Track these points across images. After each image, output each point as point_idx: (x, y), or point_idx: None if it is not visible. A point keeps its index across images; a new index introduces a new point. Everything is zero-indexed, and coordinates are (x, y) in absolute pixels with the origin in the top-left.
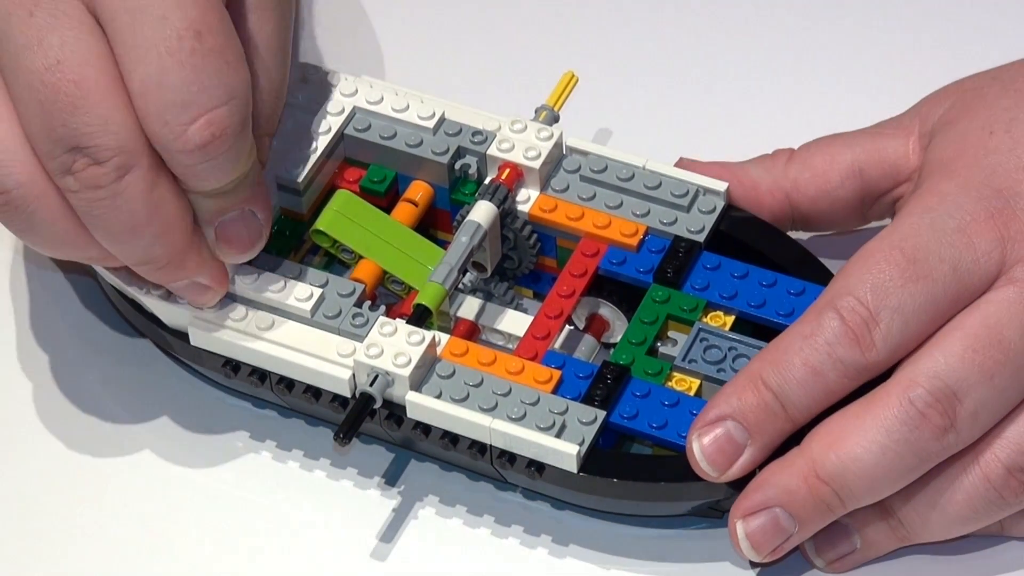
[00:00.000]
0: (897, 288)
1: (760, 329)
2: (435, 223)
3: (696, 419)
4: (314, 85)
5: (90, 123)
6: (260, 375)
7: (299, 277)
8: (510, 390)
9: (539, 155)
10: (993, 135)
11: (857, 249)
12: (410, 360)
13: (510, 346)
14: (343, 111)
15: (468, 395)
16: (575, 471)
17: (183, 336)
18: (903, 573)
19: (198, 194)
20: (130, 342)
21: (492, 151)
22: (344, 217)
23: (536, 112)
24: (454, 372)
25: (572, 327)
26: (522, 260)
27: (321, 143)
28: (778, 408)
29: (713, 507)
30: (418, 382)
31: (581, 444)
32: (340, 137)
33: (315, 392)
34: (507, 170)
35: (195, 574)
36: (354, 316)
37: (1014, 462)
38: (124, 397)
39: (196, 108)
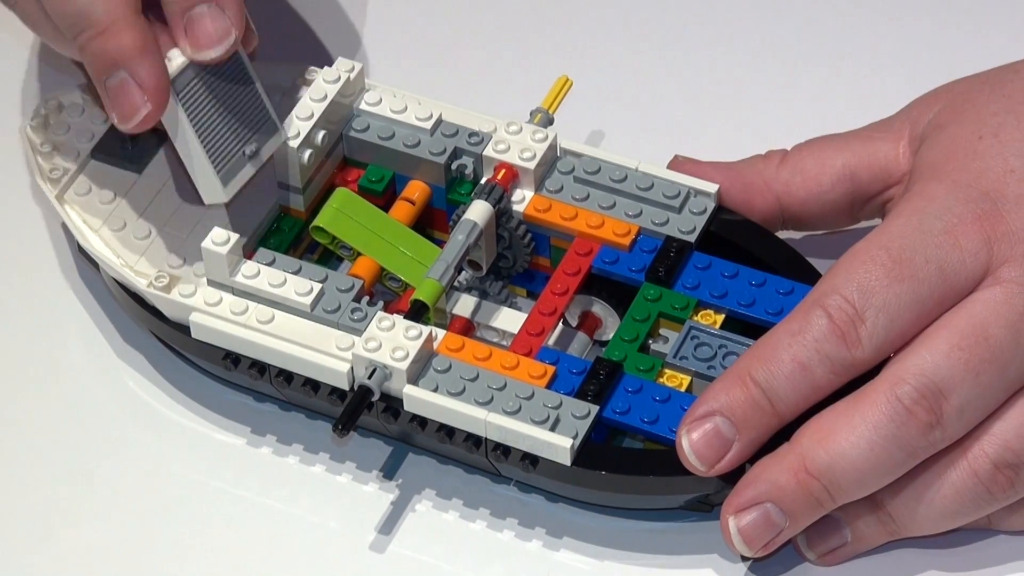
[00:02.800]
0: (883, 287)
1: (750, 328)
2: (431, 222)
3: (685, 415)
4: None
5: None
6: (260, 368)
7: (299, 272)
8: (505, 385)
9: (534, 156)
10: (982, 140)
11: (846, 249)
12: (407, 354)
13: (504, 343)
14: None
15: (464, 389)
16: (569, 464)
17: (184, 329)
18: (893, 567)
19: None
20: (131, 336)
21: (488, 152)
22: (343, 214)
23: (531, 115)
24: (450, 367)
25: (565, 325)
26: (517, 259)
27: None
28: (765, 403)
29: (703, 501)
30: (415, 376)
31: (575, 438)
32: (339, 137)
33: (314, 385)
34: (503, 171)
35: (195, 568)
36: (353, 311)
37: (1001, 457)
38: (124, 391)
39: None
